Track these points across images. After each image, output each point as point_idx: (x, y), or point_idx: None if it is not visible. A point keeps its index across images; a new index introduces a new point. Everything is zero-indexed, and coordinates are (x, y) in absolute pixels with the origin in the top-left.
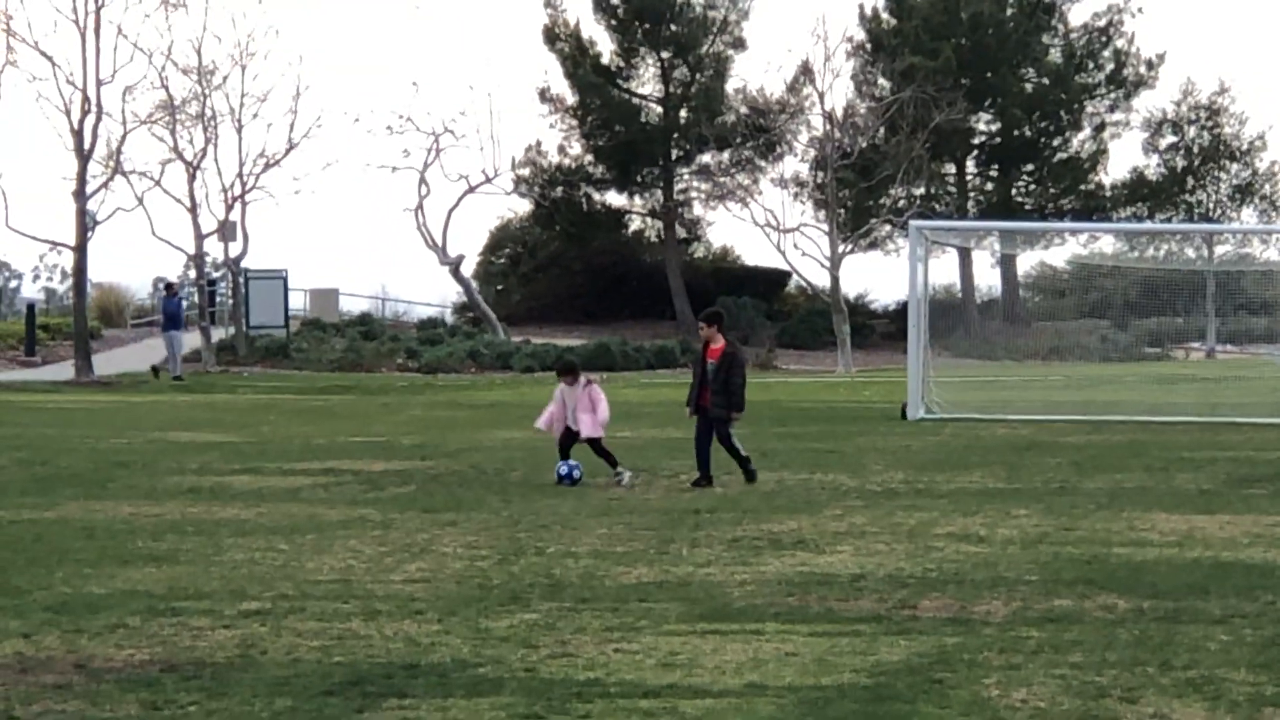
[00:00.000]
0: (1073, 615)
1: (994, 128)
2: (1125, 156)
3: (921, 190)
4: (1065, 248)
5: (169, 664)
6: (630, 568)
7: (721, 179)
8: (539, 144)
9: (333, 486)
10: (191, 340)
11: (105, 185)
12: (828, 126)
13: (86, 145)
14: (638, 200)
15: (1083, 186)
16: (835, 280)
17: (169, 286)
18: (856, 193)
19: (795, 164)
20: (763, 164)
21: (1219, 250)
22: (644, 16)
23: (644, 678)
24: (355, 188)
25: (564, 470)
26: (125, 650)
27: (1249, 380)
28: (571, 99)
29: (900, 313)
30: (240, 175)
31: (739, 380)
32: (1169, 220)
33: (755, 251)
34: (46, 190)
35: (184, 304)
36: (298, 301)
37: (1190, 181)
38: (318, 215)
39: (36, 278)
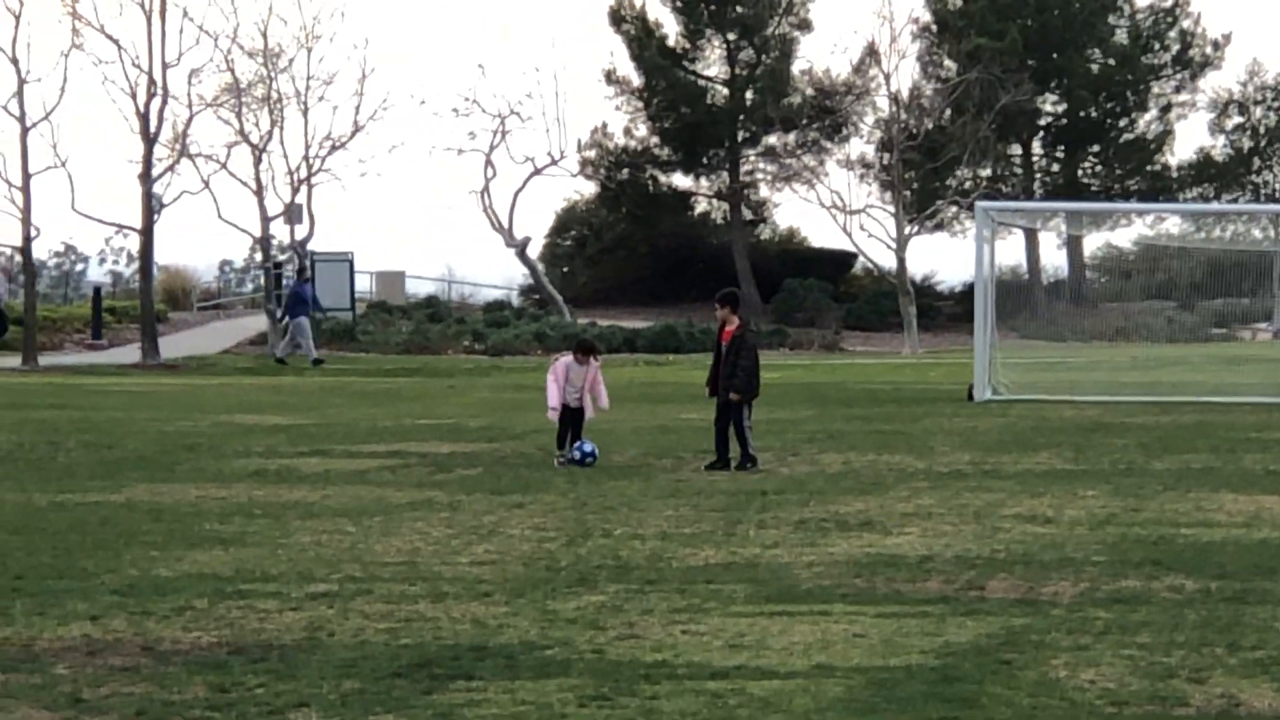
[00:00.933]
0: (1140, 596)
1: (1060, 109)
2: (1191, 137)
3: (987, 171)
4: (1131, 229)
5: (236, 646)
6: (697, 549)
7: (787, 160)
8: (605, 126)
9: (399, 469)
10: (257, 323)
11: (171, 168)
12: (893, 108)
13: (152, 128)
14: (704, 182)
15: (1149, 167)
16: (901, 262)
17: (301, 270)
18: (922, 174)
19: (861, 145)
20: (828, 145)
21: None
22: None
23: (711, 659)
24: (421, 170)
25: (587, 449)
26: (192, 633)
27: None
28: (637, 81)
29: (966, 294)
30: (306, 158)
31: (749, 363)
32: (1235, 201)
33: (821, 233)
34: (113, 174)
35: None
36: (364, 284)
37: (1257, 162)
38: (384, 198)
39: (103, 261)
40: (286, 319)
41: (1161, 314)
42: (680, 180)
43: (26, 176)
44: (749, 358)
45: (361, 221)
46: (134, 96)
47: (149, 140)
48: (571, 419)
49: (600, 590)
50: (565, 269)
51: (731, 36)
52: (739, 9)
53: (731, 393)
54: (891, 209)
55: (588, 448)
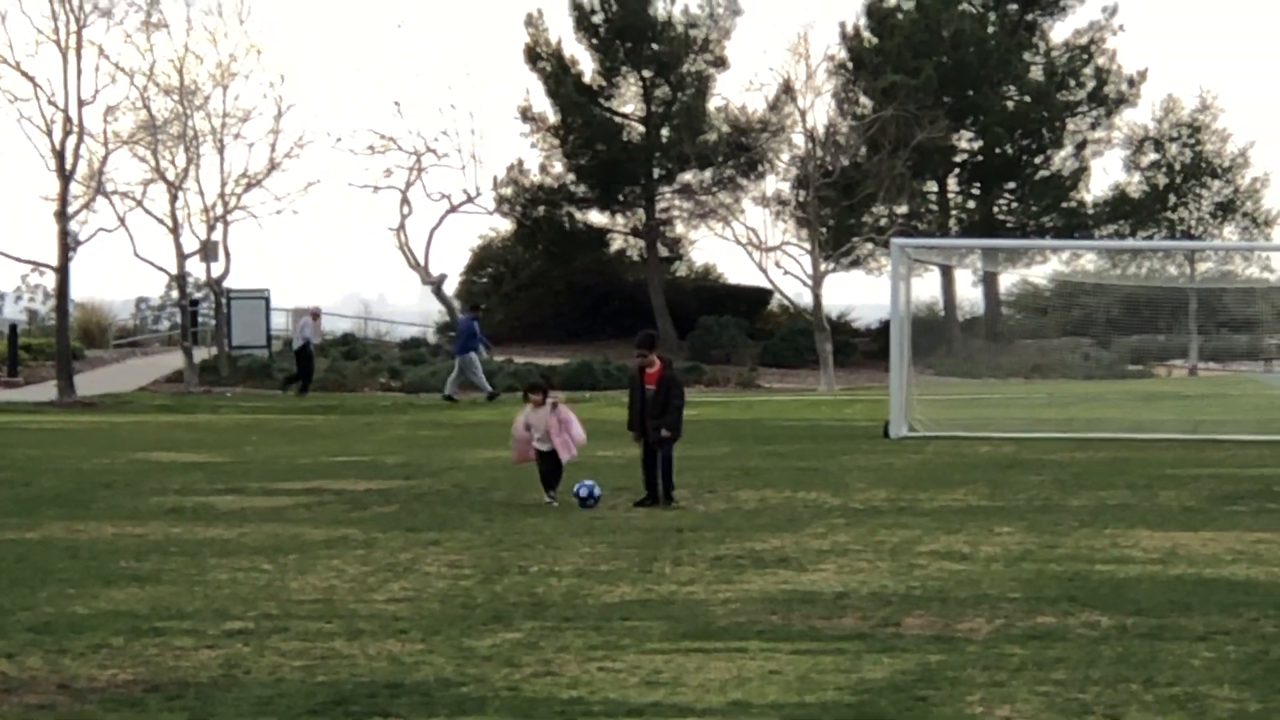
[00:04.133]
0: (1056, 632)
1: (976, 145)
2: (1107, 174)
3: (903, 208)
4: (1047, 265)
5: (152, 684)
6: (614, 586)
7: (703, 198)
8: (521, 163)
9: (316, 506)
10: (173, 361)
11: (87, 205)
12: (809, 145)
13: (68, 165)
14: (620, 219)
15: (1064, 204)
16: (817, 299)
17: (474, 306)
18: (838, 211)
19: (777, 182)
20: (744, 182)
21: (1201, 267)
22: (625, 35)
23: (627, 696)
24: (337, 207)
25: (584, 492)
26: (109, 670)
27: (1232, 397)
28: (553, 118)
29: (882, 331)
30: (222, 195)
31: (680, 402)
32: (1151, 238)
33: (737, 270)
34: (28, 211)
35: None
36: (280, 322)
37: (1172, 199)
38: (300, 235)
39: (19, 298)
40: (456, 356)
41: (1078, 350)
42: (596, 217)
43: None
44: (679, 396)
45: (278, 259)
46: (49, 134)
47: (65, 178)
48: (548, 463)
49: (516, 627)
50: (482, 306)
51: (647, 74)
52: (655, 46)
53: (665, 430)
54: (807, 246)
55: (583, 492)
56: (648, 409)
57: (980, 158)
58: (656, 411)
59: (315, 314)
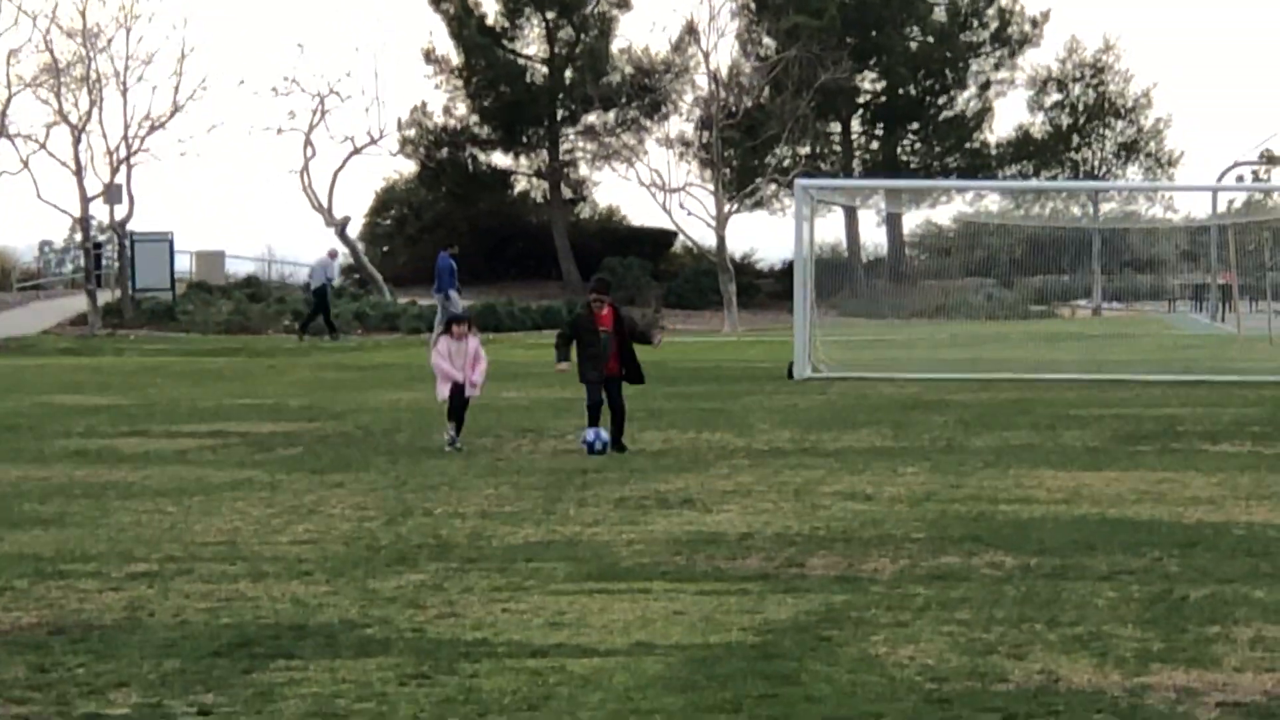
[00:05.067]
0: (960, 573)
1: (879, 86)
2: (1010, 115)
3: (807, 149)
4: (951, 206)
5: (56, 626)
6: (517, 528)
7: (607, 139)
8: (424, 105)
9: (220, 449)
10: (77, 304)
11: None
12: (713, 86)
13: None
14: (523, 161)
15: (968, 145)
16: (721, 240)
17: (450, 244)
18: (742, 152)
19: (680, 124)
20: (648, 124)
21: (1105, 208)
22: None
23: (531, 637)
24: (241, 150)
25: (591, 436)
26: (12, 613)
27: (1135, 337)
28: (457, 60)
29: (786, 272)
30: (125, 138)
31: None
32: (1054, 178)
33: (641, 212)
34: None
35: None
36: (184, 264)
37: (1075, 139)
38: (203, 178)
39: None
40: (435, 295)
41: (981, 291)
42: (500, 159)
43: None
44: (643, 328)
45: (181, 202)
46: None
47: None
48: (460, 397)
49: (420, 569)
50: (385, 248)
51: (551, 15)
52: None
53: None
54: (711, 187)
55: (598, 434)
56: (605, 348)
57: (884, 98)
58: (628, 354)
59: (332, 254)
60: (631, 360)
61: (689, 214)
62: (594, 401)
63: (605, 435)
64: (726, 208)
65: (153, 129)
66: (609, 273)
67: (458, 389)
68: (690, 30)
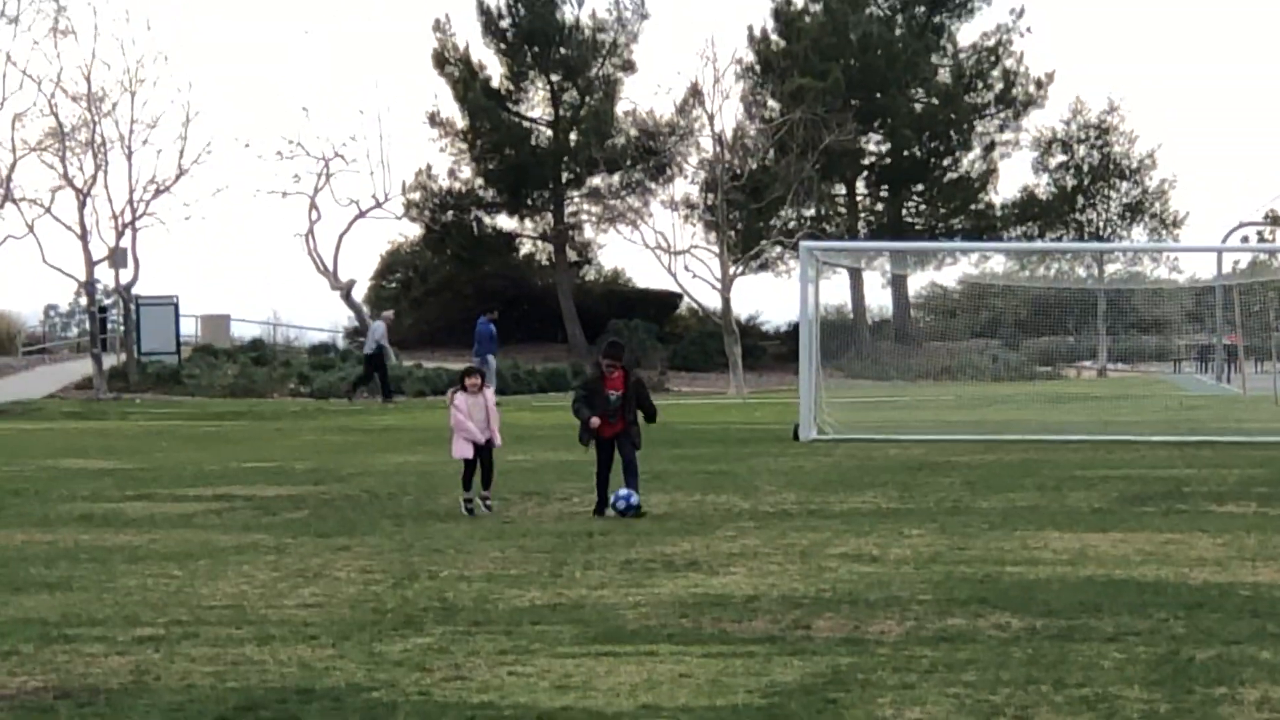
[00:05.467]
0: (966, 634)
1: (884, 148)
2: (1015, 176)
3: (812, 211)
4: (956, 268)
5: (63, 691)
6: (524, 590)
7: (612, 202)
8: (429, 168)
9: (226, 512)
10: (82, 368)
11: None
12: (717, 148)
13: None
14: (528, 224)
15: (973, 206)
16: (726, 302)
17: (490, 309)
18: (747, 214)
19: (685, 186)
20: (653, 186)
21: (1110, 269)
22: (533, 40)
23: (538, 700)
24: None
25: (623, 495)
26: (18, 677)
27: (1141, 398)
28: (461, 123)
29: (792, 334)
30: (131, 202)
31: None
32: (1059, 239)
33: (646, 274)
34: None
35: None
36: (189, 328)
37: (1080, 200)
38: (208, 241)
39: None
40: (476, 360)
41: (986, 352)
42: (505, 222)
43: None
44: (648, 398)
45: (187, 265)
46: None
47: None
48: (481, 455)
49: (427, 632)
50: (391, 311)
51: (555, 78)
52: (562, 51)
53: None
54: (716, 249)
55: (625, 495)
56: (616, 414)
57: (888, 160)
58: (633, 418)
59: (385, 319)
60: (633, 420)
61: (694, 276)
62: (604, 463)
63: (635, 497)
64: (732, 270)
65: (158, 192)
66: (614, 335)
67: (479, 450)
68: (695, 93)
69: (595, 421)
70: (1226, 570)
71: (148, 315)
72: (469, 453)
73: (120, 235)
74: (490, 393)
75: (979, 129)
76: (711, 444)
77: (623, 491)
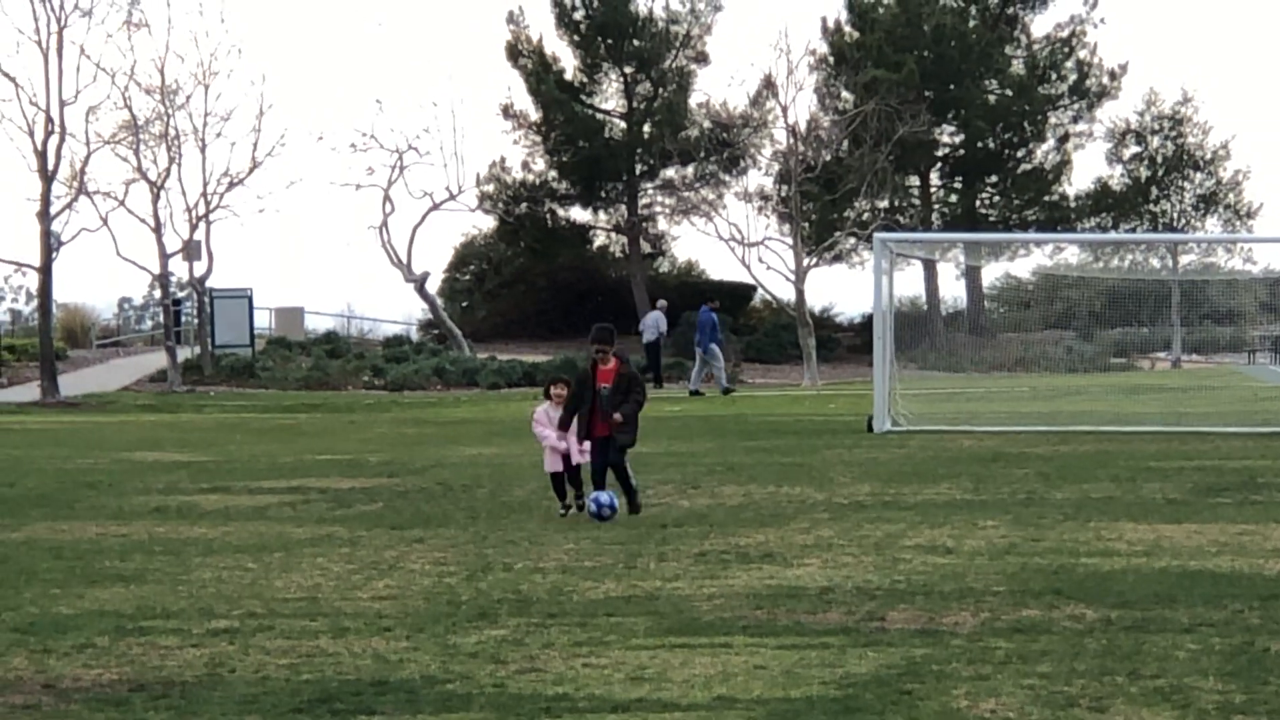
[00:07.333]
0: (1041, 625)
1: (958, 140)
2: (1089, 167)
3: (885, 203)
4: (1030, 259)
5: (137, 683)
6: (598, 582)
7: (685, 193)
8: (503, 160)
9: (300, 505)
10: (156, 360)
11: (69, 206)
12: (791, 140)
13: (50, 166)
14: (602, 216)
15: (1047, 197)
16: (800, 293)
17: (710, 298)
18: (821, 206)
19: (759, 177)
20: (726, 178)
21: (1184, 260)
22: (606, 32)
23: (612, 692)
24: (319, 206)
25: (605, 499)
26: (94, 670)
27: (1215, 389)
28: (535, 115)
29: (865, 325)
30: (204, 194)
31: (640, 399)
32: (1133, 230)
33: (720, 265)
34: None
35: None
36: (263, 320)
37: (1154, 191)
38: (282, 233)
39: (1, 299)
40: (699, 349)
41: (1060, 344)
42: (578, 214)
43: None
44: (641, 393)
45: (260, 258)
46: (31, 134)
47: (47, 178)
48: (566, 466)
49: (501, 624)
50: (465, 304)
51: (629, 70)
52: (636, 43)
53: (617, 415)
54: (790, 241)
55: (605, 499)
56: (601, 408)
57: (962, 151)
58: (614, 407)
59: (664, 308)
60: (628, 420)
61: (768, 268)
62: (598, 465)
63: (612, 498)
64: (805, 261)
65: (231, 185)
66: (688, 327)
67: (567, 464)
68: (768, 84)
69: (560, 445)
70: None
71: (222, 308)
72: (558, 465)
73: (194, 228)
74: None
75: (1053, 120)
76: (786, 436)
77: (603, 496)
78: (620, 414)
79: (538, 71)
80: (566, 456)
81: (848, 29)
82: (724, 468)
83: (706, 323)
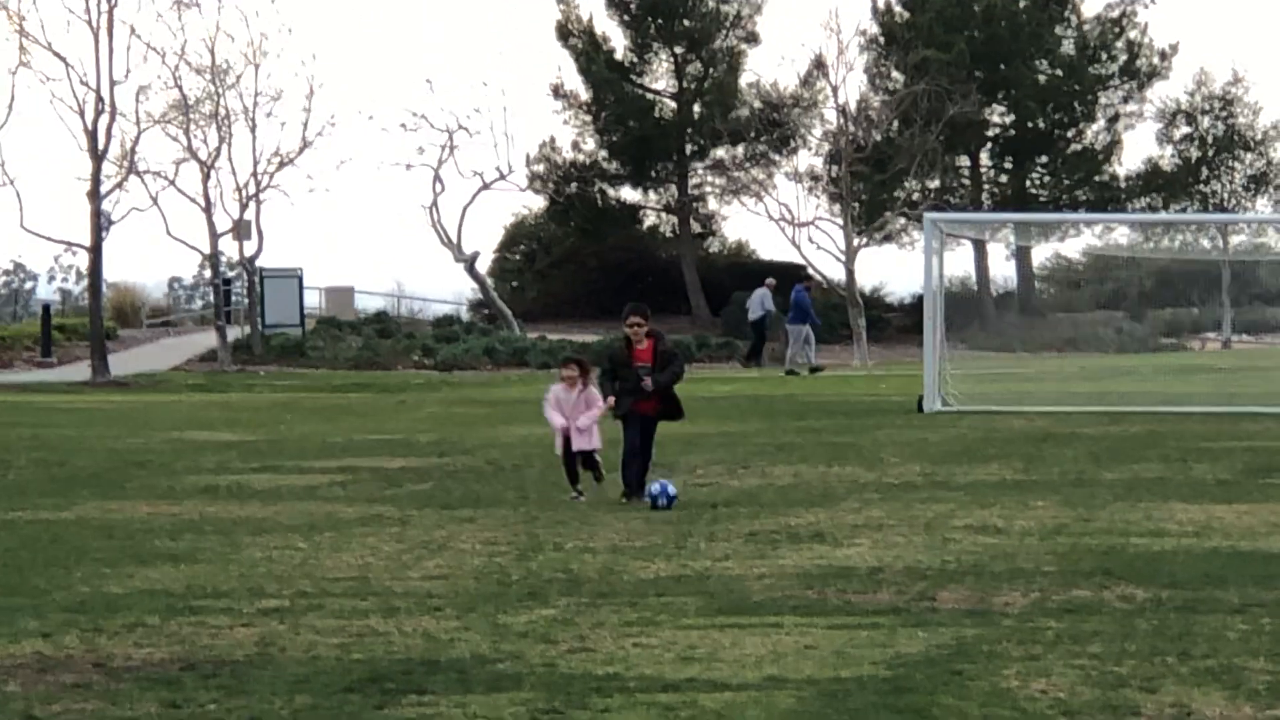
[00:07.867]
0: (1091, 606)
1: (1008, 120)
2: (1139, 147)
3: (936, 183)
4: (1080, 239)
5: (188, 662)
6: (648, 562)
7: (736, 173)
8: (553, 140)
9: (350, 484)
10: (206, 340)
11: (120, 185)
12: (841, 120)
13: (101, 146)
14: (652, 196)
15: (1097, 178)
16: (850, 273)
17: (805, 278)
18: (871, 186)
19: (809, 158)
20: (777, 158)
21: (1234, 240)
22: (657, 12)
23: (663, 672)
24: (370, 185)
25: (656, 489)
26: (144, 649)
27: (1265, 370)
28: (585, 95)
29: (916, 306)
30: (254, 174)
31: (680, 372)
32: (1183, 211)
33: (770, 245)
34: (61, 191)
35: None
36: (313, 300)
37: (1205, 172)
38: (332, 213)
39: (52, 279)
40: (789, 327)
41: (1111, 324)
42: (629, 194)
43: None
44: (681, 368)
45: (310, 237)
46: (82, 114)
47: (97, 158)
48: (571, 449)
49: (551, 604)
50: (515, 283)
51: (679, 50)
52: (686, 22)
53: (652, 383)
54: (840, 221)
55: (656, 489)
56: (642, 389)
57: (1012, 132)
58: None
59: (772, 286)
60: (671, 396)
61: (818, 248)
62: (632, 447)
63: (672, 488)
64: (856, 241)
65: (281, 165)
66: (739, 307)
67: (567, 443)
68: (818, 65)
69: (610, 400)
70: None
71: (272, 287)
72: (559, 446)
73: (244, 208)
74: (594, 393)
75: (1103, 100)
76: (835, 416)
77: (659, 486)
78: (651, 380)
79: (588, 51)
80: (569, 440)
81: (898, 9)
82: (774, 448)
83: (799, 302)
